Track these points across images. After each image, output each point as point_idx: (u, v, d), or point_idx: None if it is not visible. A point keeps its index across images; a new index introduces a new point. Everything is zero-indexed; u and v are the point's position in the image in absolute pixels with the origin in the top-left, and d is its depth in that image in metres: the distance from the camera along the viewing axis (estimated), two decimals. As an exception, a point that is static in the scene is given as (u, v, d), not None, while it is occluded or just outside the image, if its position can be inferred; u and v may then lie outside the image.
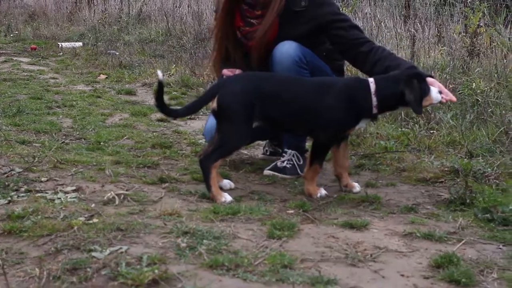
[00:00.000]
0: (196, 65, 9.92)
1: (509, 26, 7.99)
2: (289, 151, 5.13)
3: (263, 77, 4.55)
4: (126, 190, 4.45)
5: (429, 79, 4.53)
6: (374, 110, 4.45)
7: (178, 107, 4.61)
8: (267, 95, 4.37)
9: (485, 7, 8.34)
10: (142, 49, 12.39)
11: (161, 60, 11.02)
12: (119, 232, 3.66)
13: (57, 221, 3.76)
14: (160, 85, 4.38)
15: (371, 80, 4.46)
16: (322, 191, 4.57)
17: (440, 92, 4.48)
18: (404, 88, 4.37)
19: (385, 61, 4.69)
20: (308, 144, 5.42)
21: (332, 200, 4.51)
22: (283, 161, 5.11)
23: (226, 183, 4.66)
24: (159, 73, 4.35)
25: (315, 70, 4.93)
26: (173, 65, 10.19)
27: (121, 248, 3.43)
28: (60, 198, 4.21)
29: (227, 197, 4.34)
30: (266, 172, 5.09)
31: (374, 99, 4.41)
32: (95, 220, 3.83)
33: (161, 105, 4.45)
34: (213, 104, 4.35)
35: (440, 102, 4.54)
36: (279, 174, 5.04)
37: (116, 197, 4.26)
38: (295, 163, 5.10)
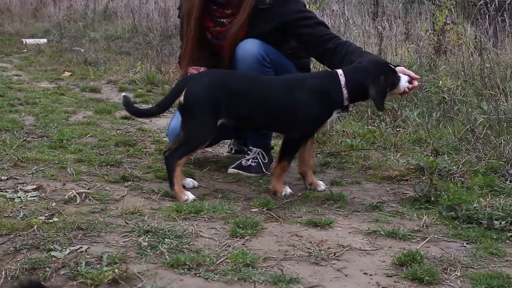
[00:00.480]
0: (162, 62, 9.87)
1: (476, 24, 8.01)
2: (254, 149, 5.09)
3: (231, 74, 4.53)
4: (88, 189, 4.39)
5: (398, 68, 4.54)
6: (346, 102, 4.45)
7: (149, 107, 4.58)
8: (235, 92, 4.33)
9: (452, 4, 8.35)
10: (108, 46, 12.31)
11: (126, 57, 10.95)
12: (80, 231, 3.61)
13: (17, 220, 3.70)
14: (126, 97, 4.47)
15: (339, 72, 4.44)
16: (287, 190, 4.53)
17: (410, 82, 4.52)
18: (369, 83, 4.37)
19: (352, 55, 4.67)
20: (274, 142, 5.39)
21: (297, 198, 4.48)
22: (248, 159, 5.07)
23: (189, 181, 4.61)
24: (123, 94, 4.50)
25: (279, 68, 4.89)
26: (139, 62, 10.12)
27: (81, 247, 3.38)
28: (20, 197, 4.15)
29: (189, 196, 4.29)
30: (231, 170, 5.04)
31: (345, 91, 4.40)
32: (55, 219, 3.78)
33: (132, 109, 4.50)
34: (180, 98, 4.31)
35: (405, 93, 4.59)
36: (243, 172, 5.00)
37: (78, 195, 4.19)
38: (260, 161, 5.06)
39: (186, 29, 4.99)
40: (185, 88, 4.31)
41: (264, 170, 5.02)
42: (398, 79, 4.48)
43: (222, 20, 4.98)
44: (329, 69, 4.78)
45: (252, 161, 5.05)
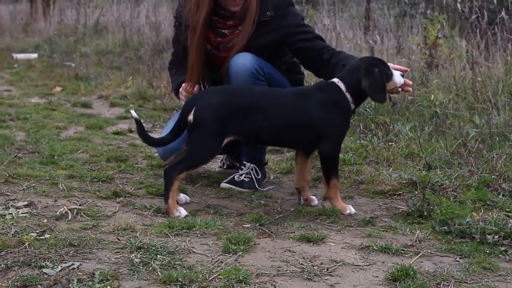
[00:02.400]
0: (154, 77, 9.86)
1: (467, 38, 8.03)
2: (248, 164, 5.07)
3: (239, 90, 4.51)
4: (80, 205, 4.36)
5: (389, 65, 4.57)
6: (352, 106, 4.49)
7: (163, 136, 4.57)
8: (245, 109, 4.31)
9: (444, 18, 8.38)
10: (99, 60, 12.30)
11: (118, 72, 10.93)
12: (72, 248, 3.59)
13: (8, 237, 3.68)
14: (138, 121, 4.41)
15: (336, 80, 4.46)
16: (351, 208, 4.52)
17: (403, 75, 4.55)
18: (361, 76, 4.39)
19: (343, 61, 4.69)
20: (267, 157, 5.39)
21: (289, 213, 4.47)
22: (241, 174, 5.05)
23: (182, 197, 4.58)
24: (133, 112, 4.43)
25: (272, 82, 4.89)
26: (130, 77, 10.10)
27: (73, 264, 3.37)
28: (11, 214, 4.12)
29: (181, 212, 4.27)
30: (223, 185, 5.03)
31: (348, 96, 4.43)
32: (47, 235, 3.76)
33: (146, 138, 4.49)
34: (189, 116, 4.29)
35: (398, 92, 4.62)
36: (236, 188, 4.98)
37: (69, 212, 4.17)
38: (253, 176, 5.04)
39: (190, 43, 4.95)
40: (193, 107, 4.29)
41: (257, 186, 5.00)
42: (391, 72, 4.49)
43: (223, 31, 4.97)
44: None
45: (245, 176, 5.03)
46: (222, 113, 4.27)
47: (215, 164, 5.77)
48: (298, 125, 4.39)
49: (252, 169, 5.05)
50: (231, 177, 5.07)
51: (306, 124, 4.39)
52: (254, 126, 4.33)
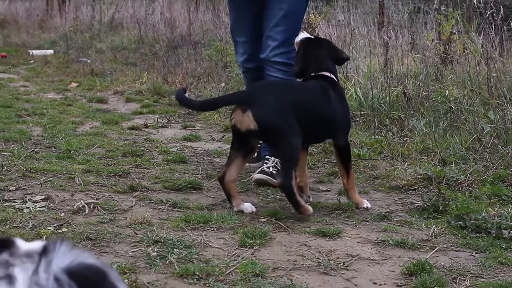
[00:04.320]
0: (169, 72, 9.88)
1: (482, 33, 8.01)
2: (272, 158, 5.05)
3: (286, 86, 4.64)
4: (96, 199, 4.40)
5: None
6: None
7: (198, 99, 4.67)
8: (297, 105, 4.34)
9: (458, 14, 8.36)
10: (114, 56, 12.32)
11: (133, 68, 10.96)
12: (89, 242, 3.63)
13: (26, 231, 3.72)
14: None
15: (326, 74, 4.52)
16: (367, 202, 4.54)
17: None
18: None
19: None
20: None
21: (305, 208, 4.48)
22: (268, 167, 5.00)
23: (248, 206, 4.40)
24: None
25: None
26: (145, 73, 10.13)
27: (90, 258, 3.38)
28: (29, 207, 4.16)
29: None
30: (260, 176, 4.96)
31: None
32: (64, 229, 3.80)
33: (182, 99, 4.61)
34: (248, 126, 4.24)
35: None
36: (271, 179, 4.92)
37: (86, 206, 4.21)
38: (278, 169, 5.01)
39: None
40: (247, 111, 4.21)
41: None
42: None
43: None
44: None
45: (273, 169, 4.99)
46: (285, 111, 4.26)
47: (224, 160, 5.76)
48: (331, 118, 4.48)
49: (276, 163, 5.01)
50: (260, 169, 5.03)
51: (335, 117, 4.48)
52: (302, 121, 4.34)
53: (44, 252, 1.16)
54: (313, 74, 4.57)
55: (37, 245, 1.20)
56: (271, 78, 5.00)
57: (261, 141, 5.06)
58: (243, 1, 5.26)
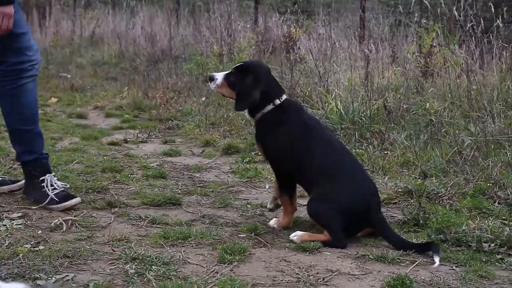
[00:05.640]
0: (149, 87, 9.85)
1: (463, 46, 8.03)
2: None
3: None
4: (74, 216, 4.36)
5: None
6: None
7: None
8: None
9: (438, 27, 8.38)
10: (94, 71, 12.29)
11: (113, 83, 10.93)
12: (66, 259, 3.59)
13: (2, 249, 3.68)
14: None
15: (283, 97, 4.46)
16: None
17: None
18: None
19: None
20: (263, 166, 5.37)
21: (285, 223, 4.45)
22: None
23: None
24: None
25: None
26: (126, 87, 10.09)
27: (67, 275, 3.36)
28: (5, 225, 4.12)
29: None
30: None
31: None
32: (41, 247, 3.76)
33: None
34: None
35: None
36: None
37: (64, 223, 4.17)
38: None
39: None
40: None
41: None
42: None
43: None
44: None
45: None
46: None
47: (210, 174, 5.75)
48: None
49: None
50: None
51: None
52: None
53: None
54: None
55: None
56: None
57: None
58: None
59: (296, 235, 4.04)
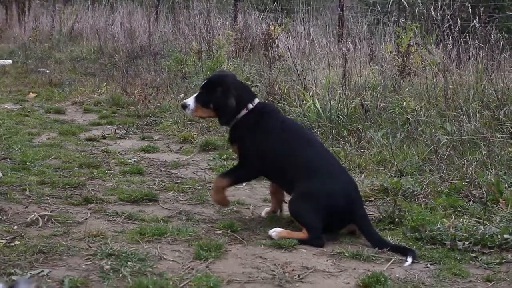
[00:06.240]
0: (128, 83, 9.82)
1: (440, 46, 8.06)
2: None
3: None
4: (51, 212, 4.35)
5: None
6: None
7: None
8: None
9: (416, 26, 8.41)
10: (73, 67, 12.22)
11: (92, 79, 10.87)
12: (41, 255, 3.59)
13: (-23, 244, 3.66)
14: None
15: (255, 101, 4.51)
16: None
17: None
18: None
19: None
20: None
21: (262, 220, 4.47)
22: None
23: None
24: None
25: None
26: (104, 83, 10.06)
27: (42, 271, 3.36)
28: (-19, 220, 4.10)
29: None
30: None
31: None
32: (16, 242, 3.75)
33: None
34: None
35: None
36: None
37: (40, 218, 4.16)
38: None
39: None
40: None
41: None
42: None
43: None
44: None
45: None
46: None
47: (187, 171, 5.75)
48: None
49: None
50: None
51: None
52: None
53: None
54: None
55: None
56: None
57: None
58: None
59: (274, 231, 4.07)
